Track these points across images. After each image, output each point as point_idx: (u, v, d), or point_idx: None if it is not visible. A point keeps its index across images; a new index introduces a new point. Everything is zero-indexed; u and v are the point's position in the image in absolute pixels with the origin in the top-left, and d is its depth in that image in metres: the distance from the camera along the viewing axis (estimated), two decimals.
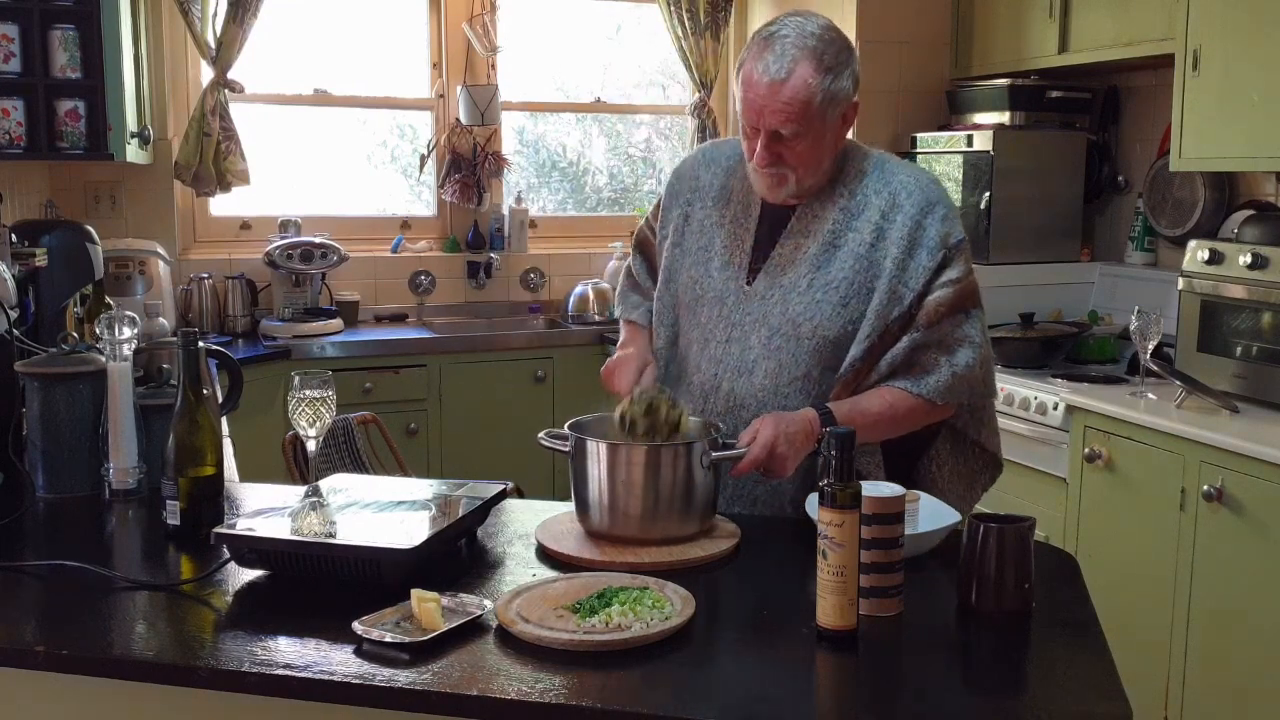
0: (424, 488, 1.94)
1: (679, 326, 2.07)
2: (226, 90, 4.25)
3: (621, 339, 2.19)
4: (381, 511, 1.76)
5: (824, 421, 1.83)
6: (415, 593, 1.48)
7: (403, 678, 1.34)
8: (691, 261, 2.04)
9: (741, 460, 1.78)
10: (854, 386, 1.92)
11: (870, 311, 1.90)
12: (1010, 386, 3.42)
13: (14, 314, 2.18)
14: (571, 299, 4.72)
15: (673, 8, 4.77)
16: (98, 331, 1.99)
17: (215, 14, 4.18)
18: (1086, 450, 3.15)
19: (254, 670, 1.37)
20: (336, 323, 4.33)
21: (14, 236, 2.51)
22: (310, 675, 1.35)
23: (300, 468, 3.00)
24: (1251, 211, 3.40)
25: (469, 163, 4.71)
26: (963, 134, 4.01)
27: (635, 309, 2.20)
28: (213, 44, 4.20)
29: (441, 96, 4.80)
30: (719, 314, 1.99)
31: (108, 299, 3.12)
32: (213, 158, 4.24)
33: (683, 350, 2.05)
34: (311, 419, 1.85)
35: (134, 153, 3.69)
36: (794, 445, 1.81)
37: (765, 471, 1.82)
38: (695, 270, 2.03)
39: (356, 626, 1.43)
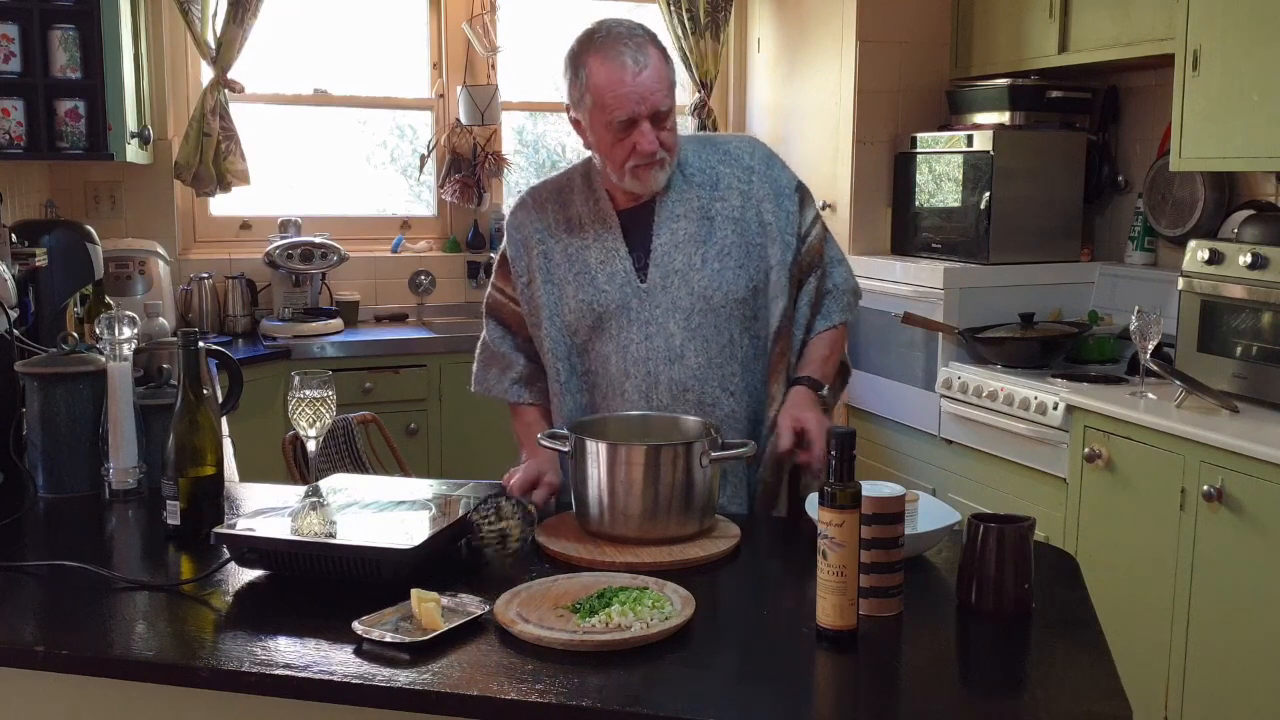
0: (424, 488, 1.94)
1: (584, 350, 2.08)
2: (226, 90, 4.25)
3: (519, 436, 2.18)
4: (381, 511, 1.76)
5: (814, 388, 2.04)
6: (415, 593, 1.48)
7: (403, 678, 1.34)
8: (574, 289, 2.06)
9: (812, 456, 1.92)
10: (787, 333, 2.08)
11: (775, 264, 2.06)
12: (1010, 386, 3.42)
13: (14, 314, 2.19)
14: None
15: (673, 8, 4.77)
16: (98, 331, 1.99)
17: (215, 14, 4.18)
18: (1086, 450, 3.16)
19: (254, 670, 1.37)
20: (336, 323, 4.33)
21: (14, 236, 2.51)
22: (310, 675, 1.35)
23: (300, 468, 3.00)
24: (1251, 211, 3.39)
25: (469, 163, 4.71)
26: (963, 134, 4.01)
27: (503, 385, 2.18)
28: (213, 44, 4.20)
29: (441, 96, 4.80)
30: (627, 319, 2.03)
31: (108, 299, 3.12)
32: (213, 158, 4.24)
33: (598, 366, 2.06)
34: (311, 419, 1.85)
35: (134, 153, 3.69)
36: (812, 407, 1.99)
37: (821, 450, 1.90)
38: (582, 294, 2.05)
39: (356, 626, 1.43)
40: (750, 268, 2.04)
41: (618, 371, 2.03)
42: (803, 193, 2.11)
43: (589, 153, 2.08)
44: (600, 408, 2.07)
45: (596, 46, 1.96)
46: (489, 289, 2.22)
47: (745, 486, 2.06)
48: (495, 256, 2.22)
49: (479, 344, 2.24)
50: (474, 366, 2.24)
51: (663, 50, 1.98)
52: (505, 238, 2.16)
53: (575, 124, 2.04)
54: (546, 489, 1.95)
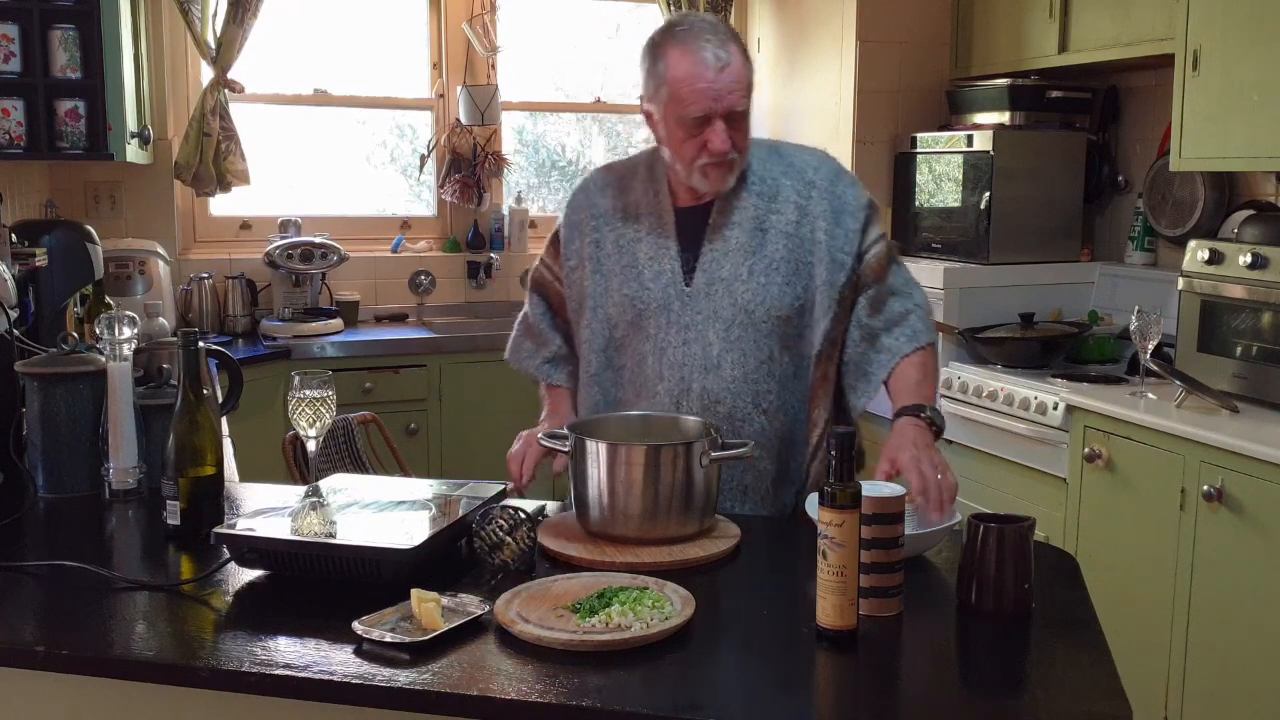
0: (424, 488, 1.94)
1: (621, 345, 2.06)
2: (226, 90, 4.25)
3: (545, 410, 2.18)
4: (381, 511, 1.76)
5: (917, 413, 1.93)
6: (415, 593, 1.48)
7: (403, 678, 1.34)
8: (619, 282, 2.04)
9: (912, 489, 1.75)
10: (831, 358, 2.01)
11: (821, 284, 1.99)
12: (1010, 386, 3.42)
13: (14, 314, 2.19)
14: None
15: (672, 8, 4.76)
16: (98, 331, 1.99)
17: (215, 14, 4.18)
18: (1086, 450, 3.15)
19: (254, 670, 1.37)
20: (336, 323, 4.33)
21: (14, 236, 2.51)
22: (310, 675, 1.35)
23: (300, 468, 3.00)
24: (1251, 211, 3.39)
25: (469, 163, 4.71)
26: (963, 134, 4.01)
27: (535, 363, 2.19)
28: (213, 44, 4.20)
29: (441, 96, 4.80)
30: (667, 320, 2.00)
31: (108, 299, 3.12)
32: (213, 158, 4.23)
33: (633, 364, 2.04)
34: (311, 419, 1.85)
35: (134, 153, 3.69)
36: (925, 438, 1.89)
37: (937, 498, 1.78)
38: (626, 288, 2.03)
39: (356, 626, 1.43)
40: (798, 285, 1.98)
41: (652, 373, 2.01)
42: (870, 211, 2.03)
43: (656, 145, 2.07)
44: (628, 406, 2.04)
45: (678, 38, 1.91)
46: (536, 263, 2.19)
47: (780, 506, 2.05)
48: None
49: (520, 315, 2.24)
50: (511, 334, 2.24)
51: (744, 49, 1.94)
52: (562, 216, 2.15)
53: (647, 115, 2.00)
54: (563, 462, 1.91)
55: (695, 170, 1.94)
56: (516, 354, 2.22)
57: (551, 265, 2.15)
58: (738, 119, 1.92)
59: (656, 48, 1.94)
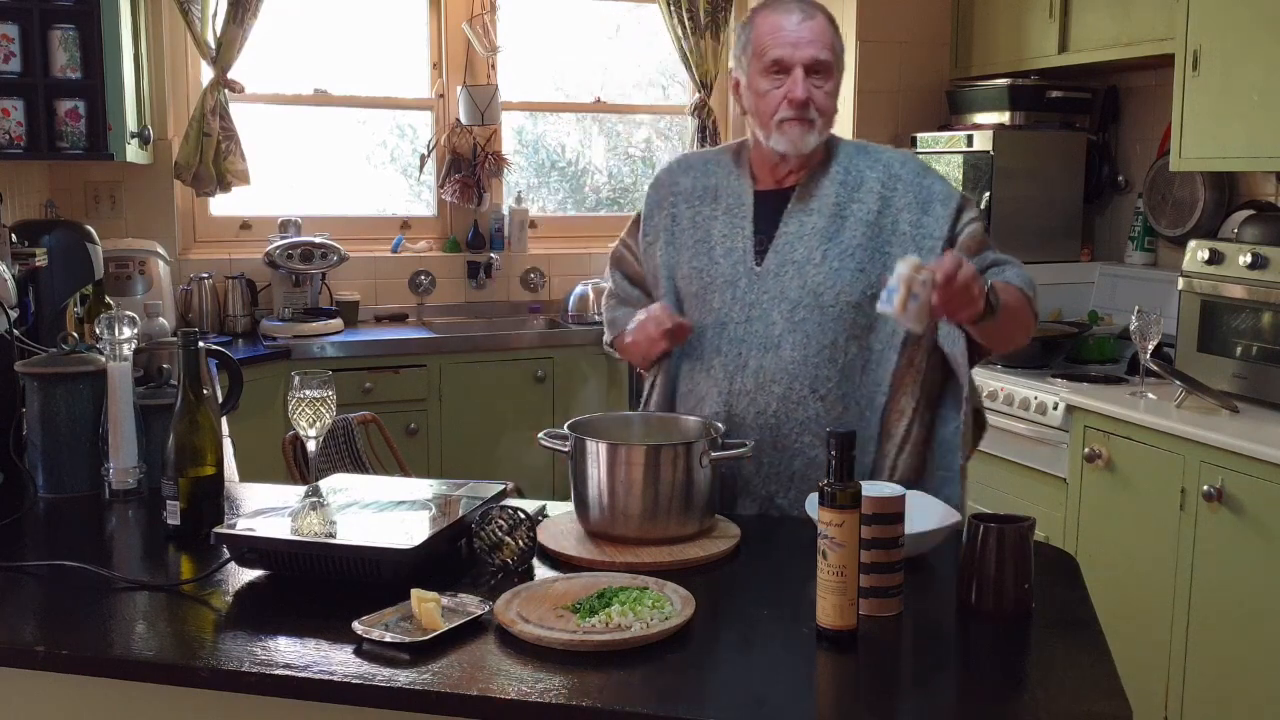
0: (424, 488, 1.94)
1: (687, 318, 2.06)
2: (226, 90, 4.25)
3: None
4: (381, 511, 1.76)
5: (989, 288, 1.77)
6: (415, 593, 1.48)
7: (403, 678, 1.34)
8: (690, 255, 2.07)
9: (942, 272, 1.66)
10: (920, 345, 1.97)
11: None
12: (1010, 386, 3.42)
13: (14, 314, 2.18)
14: (571, 299, 4.72)
15: (673, 8, 4.77)
16: (98, 331, 1.99)
17: (215, 14, 4.18)
18: (1086, 450, 3.15)
19: (254, 670, 1.37)
20: (336, 323, 4.33)
21: (14, 236, 2.51)
22: (310, 675, 1.35)
23: (300, 468, 3.00)
24: (1251, 211, 3.39)
25: (469, 163, 4.71)
26: (963, 134, 4.01)
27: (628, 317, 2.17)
28: (213, 44, 4.20)
29: (441, 96, 4.80)
30: (732, 297, 2.01)
31: (108, 299, 3.12)
32: (213, 158, 4.23)
33: (694, 339, 2.05)
34: (311, 419, 1.85)
35: (134, 153, 3.69)
36: (970, 272, 1.70)
37: (963, 297, 1.69)
38: (696, 262, 2.06)
39: (356, 626, 1.43)
40: (872, 273, 1.96)
41: (710, 347, 2.02)
42: (962, 200, 2.02)
43: (744, 138, 2.11)
44: (686, 376, 2.07)
45: (768, 4, 1.98)
46: (618, 244, 2.24)
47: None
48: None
49: (605, 296, 2.28)
50: (604, 316, 2.25)
51: (833, 21, 1.99)
52: (645, 195, 2.19)
53: (735, 88, 2.05)
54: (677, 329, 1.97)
55: (774, 128, 1.96)
56: (613, 326, 2.20)
57: (629, 242, 2.20)
58: (821, 75, 1.94)
59: (747, 19, 2.02)
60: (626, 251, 2.21)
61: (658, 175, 2.19)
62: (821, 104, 1.95)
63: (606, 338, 2.25)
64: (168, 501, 1.83)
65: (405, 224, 4.83)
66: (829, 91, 1.96)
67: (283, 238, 4.31)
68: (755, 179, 2.07)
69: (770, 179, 2.05)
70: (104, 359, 2.00)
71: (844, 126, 4.29)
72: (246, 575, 1.65)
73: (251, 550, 1.63)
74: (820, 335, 1.96)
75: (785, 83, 1.94)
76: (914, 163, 2.06)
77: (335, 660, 1.38)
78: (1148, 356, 3.18)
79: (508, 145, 4.91)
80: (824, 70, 1.95)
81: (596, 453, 1.78)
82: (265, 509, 1.76)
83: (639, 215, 2.19)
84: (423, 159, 4.77)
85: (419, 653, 1.39)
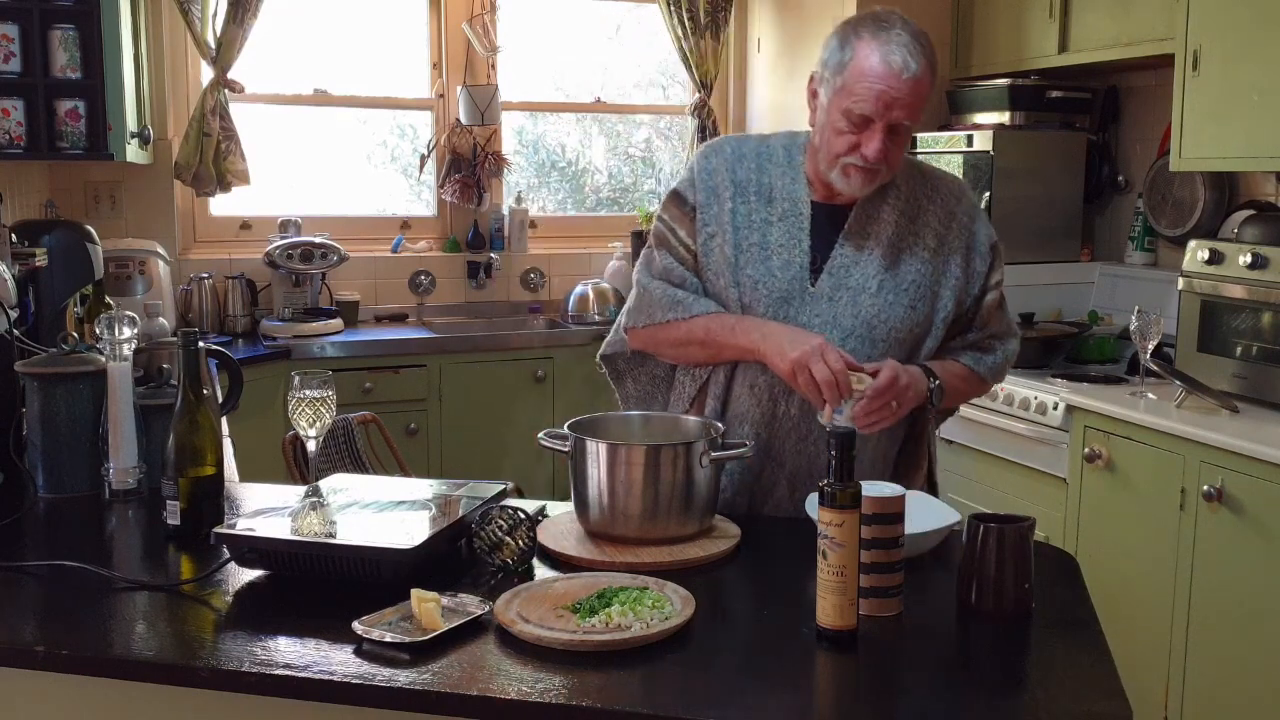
0: (424, 488, 1.94)
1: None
2: (226, 90, 4.25)
3: (730, 328, 1.93)
4: (381, 511, 1.76)
5: (927, 373, 1.90)
6: (415, 593, 1.48)
7: (403, 678, 1.34)
8: (748, 259, 1.95)
9: (873, 387, 1.77)
10: None
11: (939, 319, 1.96)
12: (1010, 386, 3.42)
13: (14, 314, 2.18)
14: (571, 299, 4.72)
15: (673, 8, 4.77)
16: (98, 331, 1.99)
17: (215, 14, 4.18)
18: (1086, 450, 3.15)
19: (254, 670, 1.37)
20: (336, 323, 4.33)
21: (14, 236, 2.51)
22: (310, 675, 1.35)
23: (300, 468, 3.00)
24: (1251, 211, 3.39)
25: (469, 163, 4.71)
26: (963, 134, 4.01)
27: (706, 304, 1.97)
28: (213, 44, 4.20)
29: (441, 96, 4.80)
30: (784, 315, 1.93)
31: (108, 299, 3.12)
32: (213, 158, 4.24)
33: None
34: (311, 419, 1.85)
35: (134, 153, 3.69)
36: (911, 378, 1.84)
37: (886, 413, 1.80)
38: (754, 269, 1.94)
39: (356, 626, 1.43)
40: (921, 310, 1.94)
41: (757, 364, 1.93)
42: (996, 253, 2.02)
43: (790, 130, 2.04)
44: (727, 384, 1.98)
45: (874, 31, 1.83)
46: (659, 223, 2.04)
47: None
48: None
49: (650, 273, 2.03)
50: (652, 293, 2.00)
51: (934, 68, 1.85)
52: (690, 179, 2.01)
53: (812, 94, 1.92)
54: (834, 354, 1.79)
55: (838, 166, 1.87)
56: (669, 309, 1.97)
57: (677, 228, 2.01)
58: (900, 133, 1.85)
59: (851, 31, 1.86)
60: (670, 235, 2.02)
61: (706, 160, 2.02)
62: (894, 158, 1.87)
63: (651, 318, 2.00)
64: (168, 501, 1.83)
65: (405, 224, 4.83)
66: (902, 145, 1.87)
67: (283, 238, 4.31)
68: (809, 185, 1.97)
69: (823, 192, 1.95)
70: (104, 359, 2.00)
71: None
72: (246, 575, 1.65)
73: (251, 550, 1.63)
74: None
75: (863, 135, 1.83)
76: (968, 199, 2.02)
77: (335, 660, 1.38)
78: (1148, 356, 3.18)
79: (508, 145, 4.91)
80: (906, 130, 1.85)
81: (596, 453, 1.78)
82: (265, 509, 1.76)
83: (679, 194, 2.02)
84: (423, 159, 4.77)
85: (419, 653, 1.39)
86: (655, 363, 2.12)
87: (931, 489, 2.07)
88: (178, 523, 1.83)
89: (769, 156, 2.01)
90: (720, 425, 1.88)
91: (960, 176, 3.84)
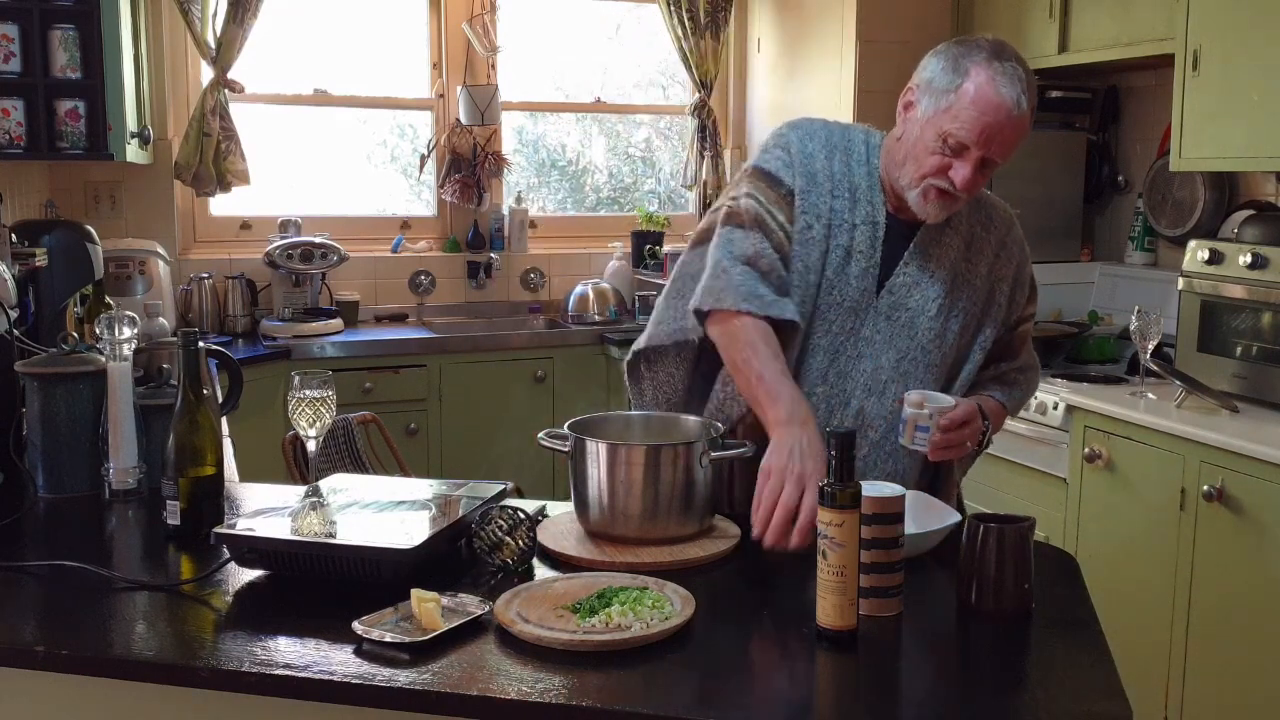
0: (424, 488, 1.94)
1: (810, 324, 1.91)
2: (226, 90, 4.25)
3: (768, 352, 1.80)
4: (381, 511, 1.76)
5: (981, 414, 1.90)
6: (415, 593, 1.48)
7: (403, 678, 1.34)
8: (833, 260, 1.90)
9: (955, 413, 1.80)
10: None
11: (978, 346, 1.98)
12: None
13: (14, 314, 2.18)
14: (571, 299, 4.72)
15: (673, 8, 4.77)
16: (98, 331, 1.99)
17: (215, 14, 4.18)
18: (1086, 450, 3.15)
19: (254, 670, 1.37)
20: (336, 323, 4.33)
21: (14, 236, 2.51)
22: (310, 675, 1.35)
23: (300, 468, 3.00)
24: (1251, 211, 3.39)
25: (469, 163, 4.71)
26: None
27: (789, 307, 1.85)
28: (213, 44, 4.20)
29: (441, 96, 4.80)
30: (850, 326, 1.91)
31: (108, 299, 3.12)
32: (213, 158, 4.24)
33: (807, 353, 1.92)
34: (311, 419, 1.85)
35: (134, 153, 3.69)
36: (976, 421, 1.86)
37: (958, 445, 1.83)
38: (833, 272, 1.90)
39: (356, 626, 1.43)
40: (967, 336, 1.96)
41: (818, 372, 1.91)
42: (1034, 288, 2.05)
43: (864, 125, 2.00)
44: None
45: (993, 61, 1.77)
46: (752, 202, 1.90)
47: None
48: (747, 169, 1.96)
49: (736, 256, 1.86)
50: (734, 279, 1.85)
51: (1034, 109, 1.80)
52: (788, 160, 1.92)
53: (906, 105, 1.86)
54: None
55: (921, 186, 1.82)
56: (751, 300, 1.83)
57: (775, 210, 1.89)
58: (989, 167, 1.82)
59: (966, 54, 1.79)
60: (769, 218, 1.89)
61: (805, 142, 1.93)
62: (976, 188, 1.84)
63: (733, 304, 1.83)
64: (168, 501, 1.83)
65: (405, 224, 4.83)
66: (987, 177, 1.84)
67: (283, 238, 4.31)
68: (884, 193, 1.93)
69: (896, 202, 1.92)
70: (104, 359, 2.00)
71: None
72: (246, 575, 1.65)
73: (251, 550, 1.63)
74: (920, 389, 1.89)
75: (956, 160, 1.79)
76: (1017, 231, 2.02)
77: (335, 660, 1.38)
78: (1148, 356, 3.18)
79: (508, 145, 4.91)
80: (996, 165, 1.82)
81: (596, 453, 1.78)
82: (265, 509, 1.76)
83: (771, 174, 1.91)
84: (423, 159, 4.77)
85: (419, 653, 1.39)
86: (676, 361, 2.01)
87: (959, 506, 2.05)
88: (178, 523, 1.83)
89: (853, 152, 1.95)
90: (720, 425, 1.88)
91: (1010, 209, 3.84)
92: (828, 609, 1.42)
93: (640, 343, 2.06)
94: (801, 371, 1.91)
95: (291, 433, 3.00)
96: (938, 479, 2.03)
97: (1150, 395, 3.15)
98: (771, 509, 1.66)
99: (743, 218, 1.90)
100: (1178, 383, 3.07)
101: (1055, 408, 3.24)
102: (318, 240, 4.32)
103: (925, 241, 1.93)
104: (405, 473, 3.36)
